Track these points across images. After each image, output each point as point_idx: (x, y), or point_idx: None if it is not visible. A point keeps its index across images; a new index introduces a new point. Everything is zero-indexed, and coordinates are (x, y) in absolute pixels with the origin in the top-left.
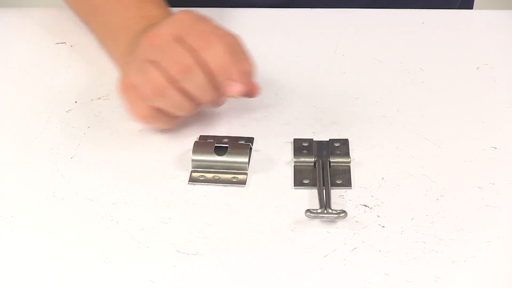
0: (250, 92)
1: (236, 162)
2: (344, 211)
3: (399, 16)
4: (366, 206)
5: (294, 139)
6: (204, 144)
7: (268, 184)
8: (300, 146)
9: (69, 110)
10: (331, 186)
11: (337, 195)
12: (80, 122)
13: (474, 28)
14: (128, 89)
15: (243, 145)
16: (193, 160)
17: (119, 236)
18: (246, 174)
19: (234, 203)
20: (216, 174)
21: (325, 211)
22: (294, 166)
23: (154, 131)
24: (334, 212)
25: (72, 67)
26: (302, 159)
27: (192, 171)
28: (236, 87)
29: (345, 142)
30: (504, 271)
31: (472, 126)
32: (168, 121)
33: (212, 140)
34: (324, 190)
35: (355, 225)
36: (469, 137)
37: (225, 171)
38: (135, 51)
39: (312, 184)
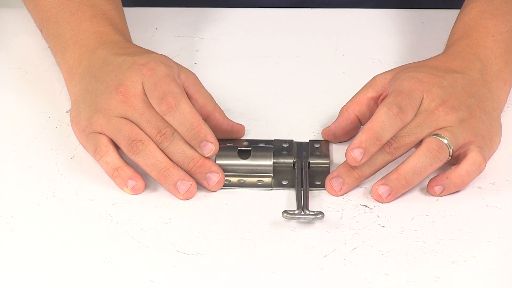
0: (236, 132)
1: (260, 165)
2: (321, 212)
3: (399, 16)
4: (366, 206)
5: (274, 140)
6: (226, 148)
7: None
8: (280, 147)
9: (69, 110)
10: (309, 187)
11: (336, 196)
12: None
13: None
14: (93, 134)
15: (266, 147)
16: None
17: (119, 236)
18: (271, 176)
19: (234, 203)
20: (241, 178)
21: (302, 212)
22: (274, 167)
23: None
24: (311, 213)
25: None
26: (281, 160)
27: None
28: (209, 148)
29: (325, 143)
30: (504, 271)
31: None
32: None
33: (231, 144)
34: (302, 191)
35: (355, 225)
36: None
37: (250, 175)
38: (97, 92)
39: (290, 185)
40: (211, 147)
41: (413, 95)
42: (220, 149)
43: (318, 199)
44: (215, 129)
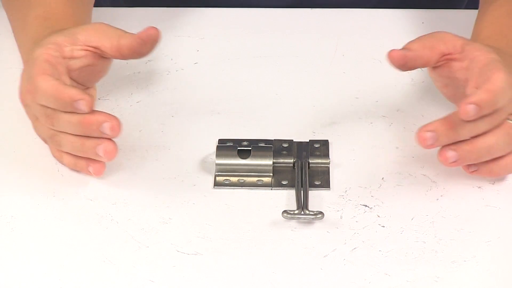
0: (150, 38)
1: (260, 165)
2: (321, 212)
3: (399, 16)
4: (366, 206)
5: (274, 139)
6: (226, 147)
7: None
8: (280, 147)
9: None
10: (309, 187)
11: (337, 195)
12: None
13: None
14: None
15: (266, 147)
16: (217, 164)
17: (119, 236)
18: (270, 176)
19: (234, 203)
20: (241, 178)
21: (302, 212)
22: (273, 167)
23: (154, 131)
24: (311, 213)
25: None
26: (281, 160)
27: (216, 175)
28: (82, 104)
29: (325, 143)
30: (504, 271)
31: None
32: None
33: (231, 144)
34: (302, 191)
35: (355, 225)
36: None
37: (250, 174)
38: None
39: (290, 185)
40: (83, 103)
41: (504, 95)
42: (220, 148)
43: (319, 199)
44: (133, 52)
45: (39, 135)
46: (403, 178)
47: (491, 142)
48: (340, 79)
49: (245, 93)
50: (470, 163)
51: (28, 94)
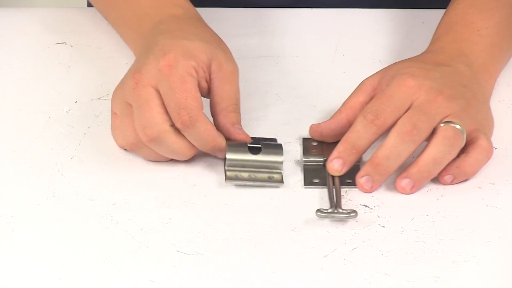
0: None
1: (271, 161)
2: (354, 211)
3: (399, 16)
4: (366, 206)
5: (303, 138)
6: (237, 143)
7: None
8: (310, 146)
9: (69, 110)
10: (341, 185)
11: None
12: (80, 122)
13: None
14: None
15: (276, 144)
16: (228, 159)
17: (119, 236)
18: (281, 173)
19: (234, 203)
20: (252, 173)
21: (336, 211)
22: (304, 165)
23: None
24: (344, 211)
25: (72, 67)
26: (312, 158)
27: (226, 170)
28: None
29: None
30: (504, 271)
31: None
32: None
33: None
34: (334, 190)
35: (355, 225)
36: None
37: (260, 170)
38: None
39: (322, 184)
40: (222, 154)
41: (396, 96)
42: (230, 144)
43: (319, 199)
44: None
45: (114, 129)
46: None
47: (433, 153)
48: (340, 79)
49: (245, 93)
50: (427, 180)
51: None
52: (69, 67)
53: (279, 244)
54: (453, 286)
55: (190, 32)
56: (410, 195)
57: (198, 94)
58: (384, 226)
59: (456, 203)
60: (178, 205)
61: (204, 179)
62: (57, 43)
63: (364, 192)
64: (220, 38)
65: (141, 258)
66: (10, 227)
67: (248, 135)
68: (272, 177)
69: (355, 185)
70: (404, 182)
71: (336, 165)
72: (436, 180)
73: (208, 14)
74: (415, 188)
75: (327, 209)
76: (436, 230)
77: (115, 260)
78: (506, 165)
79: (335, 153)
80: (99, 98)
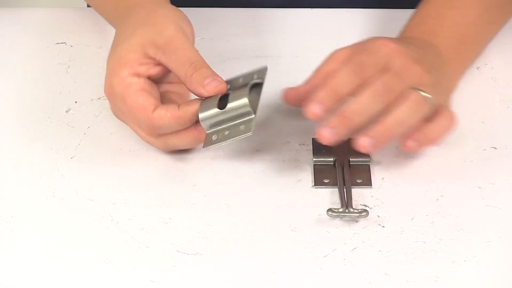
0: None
1: (239, 108)
2: (365, 210)
3: (399, 16)
4: (366, 206)
5: (313, 138)
6: (209, 99)
7: (268, 183)
8: (319, 145)
9: (69, 110)
10: (351, 185)
11: (337, 195)
12: (80, 122)
13: None
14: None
15: (242, 86)
16: (201, 121)
17: (119, 236)
18: (251, 119)
19: (234, 203)
20: (226, 130)
21: (347, 210)
22: (314, 165)
23: None
24: (355, 211)
25: (72, 67)
26: (322, 158)
27: (206, 134)
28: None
29: None
30: (504, 271)
31: (472, 126)
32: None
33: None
34: (345, 189)
35: (355, 225)
36: (469, 137)
37: (235, 123)
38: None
39: (332, 184)
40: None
41: (378, 53)
42: (203, 102)
43: (319, 199)
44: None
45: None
46: (403, 178)
47: (399, 114)
48: None
49: None
50: (389, 141)
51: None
52: (69, 67)
53: (279, 244)
54: (453, 286)
55: (125, 32)
56: (410, 195)
57: (142, 100)
58: (384, 226)
59: (456, 203)
60: (178, 205)
61: (204, 179)
62: (57, 43)
63: (325, 142)
64: (153, 13)
65: (141, 258)
66: (10, 227)
67: (220, 84)
68: (242, 126)
69: (365, 185)
70: (365, 140)
71: (315, 108)
72: (436, 180)
73: (208, 14)
74: (374, 147)
75: (338, 209)
76: (436, 230)
77: (115, 260)
78: (506, 165)
79: (314, 97)
80: (99, 98)
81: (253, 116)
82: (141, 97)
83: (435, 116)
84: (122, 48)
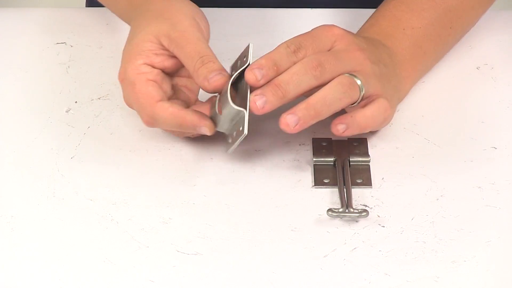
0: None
1: (229, 111)
2: (365, 210)
3: None
4: (366, 206)
5: (313, 138)
6: (222, 98)
7: (268, 183)
8: (320, 146)
9: (69, 110)
10: (351, 185)
11: (337, 195)
12: (80, 122)
13: (474, 28)
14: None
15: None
16: (218, 128)
17: (119, 236)
18: (243, 117)
19: (234, 203)
20: (234, 130)
21: (347, 210)
22: (314, 165)
23: (154, 131)
24: (355, 211)
25: (72, 67)
26: (322, 158)
27: (225, 136)
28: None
29: (363, 141)
30: (504, 271)
31: (472, 126)
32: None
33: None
34: (345, 189)
35: (355, 225)
36: (469, 137)
37: (234, 122)
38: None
39: (332, 184)
40: (205, 129)
41: (319, 37)
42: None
43: (319, 199)
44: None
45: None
46: (403, 178)
47: (324, 93)
48: None
49: None
50: (313, 120)
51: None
52: (69, 67)
53: (279, 244)
54: (453, 286)
55: (142, 24)
56: (410, 195)
57: (149, 90)
58: (384, 226)
59: (456, 203)
60: (178, 205)
61: (204, 179)
62: (57, 43)
63: (254, 111)
64: (168, 9)
65: (141, 258)
66: (10, 227)
67: (221, 78)
68: (240, 129)
69: (365, 185)
70: (290, 118)
71: (257, 73)
72: (436, 180)
73: (207, 14)
74: (299, 126)
75: (338, 209)
76: (436, 230)
77: (115, 260)
78: (506, 165)
79: (256, 63)
80: (99, 98)
81: (244, 113)
82: (150, 86)
83: (369, 104)
84: (139, 38)
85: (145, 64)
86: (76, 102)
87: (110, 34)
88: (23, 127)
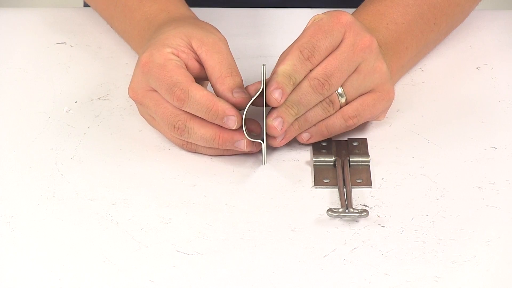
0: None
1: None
2: (365, 210)
3: None
4: (366, 206)
5: None
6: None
7: (268, 183)
8: (319, 145)
9: (69, 110)
10: (351, 185)
11: (337, 195)
12: (80, 122)
13: (474, 28)
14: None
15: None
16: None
17: (119, 236)
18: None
19: (234, 203)
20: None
21: (347, 210)
22: (314, 165)
23: (154, 131)
24: (355, 211)
25: (72, 67)
26: (322, 158)
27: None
28: (232, 121)
29: (363, 141)
30: (504, 271)
31: (472, 126)
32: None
33: None
34: (345, 189)
35: (355, 225)
36: (469, 137)
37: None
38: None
39: (332, 184)
40: (233, 119)
41: (331, 33)
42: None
43: (319, 199)
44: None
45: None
46: (403, 178)
47: (310, 115)
48: None
49: None
50: (292, 118)
51: (149, 93)
52: (69, 67)
53: (279, 244)
54: (453, 286)
55: (171, 26)
56: (410, 195)
57: (183, 71)
58: (384, 226)
59: (456, 203)
60: (178, 205)
61: (204, 179)
62: (57, 43)
63: (275, 134)
64: (204, 23)
65: (141, 258)
66: (10, 227)
67: (246, 100)
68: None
69: (365, 185)
70: (276, 122)
71: (276, 94)
72: (436, 180)
73: (208, 14)
74: (286, 139)
75: (338, 209)
76: (436, 230)
77: (115, 260)
78: (506, 165)
79: (274, 83)
80: (99, 98)
81: (262, 144)
82: (182, 69)
83: (338, 115)
84: (169, 33)
85: (173, 53)
86: (76, 102)
87: (110, 34)
88: (23, 127)
